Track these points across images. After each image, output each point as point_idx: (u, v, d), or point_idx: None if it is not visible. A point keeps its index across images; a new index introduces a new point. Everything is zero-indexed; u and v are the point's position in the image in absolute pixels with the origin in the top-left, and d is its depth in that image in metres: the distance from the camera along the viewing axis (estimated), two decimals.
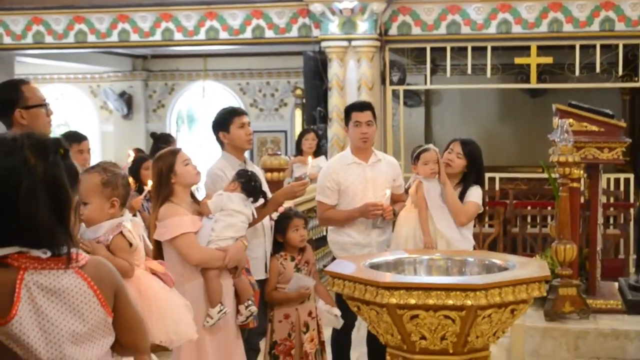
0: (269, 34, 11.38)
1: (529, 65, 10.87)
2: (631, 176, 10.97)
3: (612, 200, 10.56)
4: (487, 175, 8.62)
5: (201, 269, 4.59)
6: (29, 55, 13.42)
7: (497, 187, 11.21)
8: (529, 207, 10.23)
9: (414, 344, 4.08)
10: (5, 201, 2.16)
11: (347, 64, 10.91)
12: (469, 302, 3.93)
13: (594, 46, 10.62)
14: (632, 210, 9.84)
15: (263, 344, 5.37)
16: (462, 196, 5.49)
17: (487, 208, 5.75)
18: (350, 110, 5.76)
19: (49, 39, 12.03)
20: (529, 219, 10.23)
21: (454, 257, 4.84)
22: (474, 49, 10.91)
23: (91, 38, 11.91)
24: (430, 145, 5.70)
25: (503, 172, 11.87)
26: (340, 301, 5.00)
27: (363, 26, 10.76)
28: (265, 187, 5.28)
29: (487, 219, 9.50)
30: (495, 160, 12.35)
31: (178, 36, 11.65)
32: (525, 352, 6.00)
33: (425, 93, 15.29)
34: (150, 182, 4.85)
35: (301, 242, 5.34)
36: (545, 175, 7.92)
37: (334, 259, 5.54)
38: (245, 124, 5.30)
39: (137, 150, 8.48)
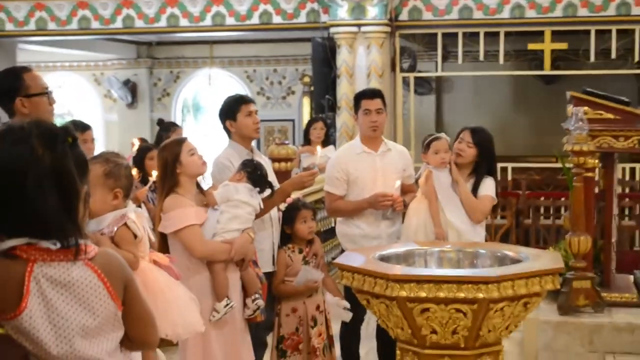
0: (277, 19, 11.37)
1: (542, 51, 10.83)
2: None
3: (627, 190, 10.53)
4: (500, 165, 8.58)
5: (207, 262, 4.59)
6: (31, 42, 13.44)
7: (509, 177, 11.19)
8: (542, 198, 10.21)
9: (425, 338, 4.07)
10: (13, 191, 2.16)
11: (356, 51, 10.88)
12: (480, 295, 3.92)
13: (610, 31, 10.57)
14: None
15: (270, 339, 5.37)
16: (474, 189, 5.47)
17: (499, 199, 5.72)
18: (359, 98, 5.75)
19: (51, 26, 12.03)
20: (542, 210, 10.21)
21: (465, 249, 4.82)
22: (486, 34, 10.87)
23: (95, 24, 11.91)
24: (441, 134, 5.68)
25: (516, 161, 11.83)
26: (349, 294, 5.00)
27: (373, 11, 10.73)
28: (272, 177, 5.27)
29: (499, 210, 9.51)
30: (508, 150, 12.33)
31: (183, 22, 11.64)
32: (538, 346, 5.99)
33: (436, 80, 15.25)
34: (155, 173, 4.84)
35: (309, 234, 5.34)
36: (559, 165, 7.92)
37: (342, 251, 5.54)
38: (252, 112, 5.30)
39: (141, 140, 8.49)
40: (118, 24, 11.85)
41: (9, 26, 12.11)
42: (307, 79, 14.43)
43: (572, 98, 6.29)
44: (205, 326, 4.04)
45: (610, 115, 6.19)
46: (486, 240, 5.71)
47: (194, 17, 11.57)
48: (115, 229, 3.51)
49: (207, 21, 11.56)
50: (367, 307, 4.40)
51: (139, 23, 11.81)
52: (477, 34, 10.90)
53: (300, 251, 5.31)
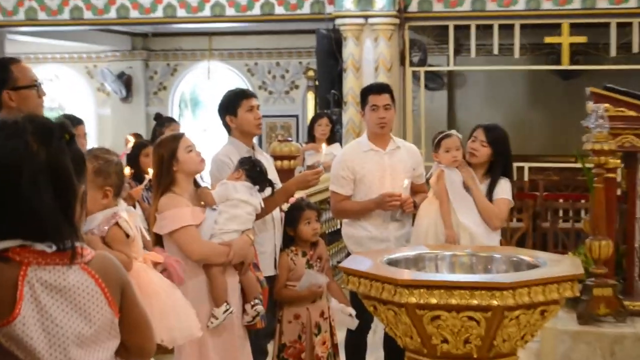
0: (279, 10, 11.36)
1: (560, 45, 10.80)
2: None
3: None
4: (516, 165, 8.56)
5: (204, 265, 4.58)
6: (21, 33, 13.44)
7: (526, 177, 11.17)
8: (560, 200, 10.21)
9: (435, 347, 4.06)
10: (6, 190, 2.15)
11: (363, 43, 10.88)
12: (495, 303, 3.91)
13: (631, 24, 10.54)
14: None
15: (271, 347, 5.35)
16: (490, 191, 5.45)
17: (515, 201, 5.70)
18: (366, 93, 5.74)
19: (42, 16, 12.04)
20: (560, 213, 10.20)
21: (478, 253, 4.82)
22: (500, 27, 10.85)
23: (87, 14, 11.91)
24: (452, 131, 5.67)
25: (533, 161, 11.81)
26: (355, 300, 4.99)
27: (380, 2, 10.72)
28: (274, 176, 5.26)
29: (515, 213, 9.49)
30: (524, 149, 12.29)
31: (181, 12, 11.64)
32: (556, 357, 5.97)
33: (448, 75, 15.26)
34: (150, 170, 4.83)
35: (313, 236, 5.33)
36: (578, 165, 7.88)
37: (348, 254, 5.52)
38: (254, 107, 5.30)
39: (136, 136, 8.49)
40: (112, 14, 11.85)
41: None
42: (311, 73, 14.42)
43: (591, 94, 6.27)
44: (202, 333, 4.03)
45: (632, 113, 6.17)
46: (501, 244, 5.68)
47: (191, 7, 11.57)
48: (107, 228, 3.51)
49: (206, 11, 11.55)
50: (374, 314, 4.39)
51: (134, 13, 11.81)
52: (491, 26, 10.88)
53: (304, 254, 5.29)
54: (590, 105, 6.15)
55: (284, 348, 5.21)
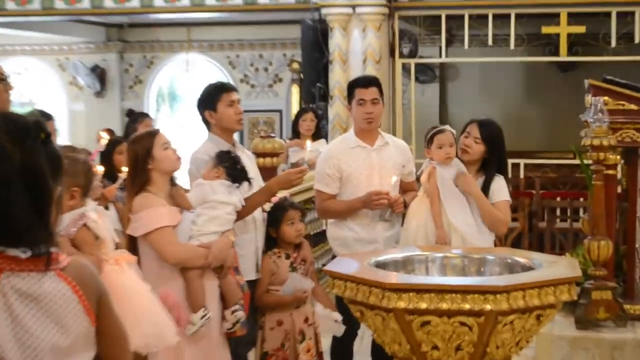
0: None
1: (558, 35, 10.84)
2: None
3: None
4: (511, 161, 8.60)
5: (181, 268, 4.57)
6: None
7: (521, 175, 11.20)
8: (558, 198, 10.22)
9: (425, 355, 4.06)
10: None
11: (350, 34, 10.88)
12: (488, 307, 3.91)
13: (633, 13, 10.57)
14: None
15: (252, 355, 5.35)
16: (485, 190, 5.46)
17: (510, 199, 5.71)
18: (353, 86, 5.74)
19: (10, 5, 12.00)
20: (558, 212, 10.21)
21: (471, 255, 4.83)
22: (495, 16, 10.88)
23: (59, 4, 11.88)
24: (446, 127, 5.67)
25: (529, 157, 11.85)
26: (341, 305, 4.98)
27: None
28: (256, 174, 5.25)
29: (510, 212, 9.48)
30: (520, 145, 12.32)
31: (158, 2, 11.62)
32: None
33: (440, 67, 15.29)
34: (124, 169, 4.82)
35: (297, 238, 5.33)
36: (576, 162, 7.91)
37: (334, 256, 5.52)
38: (234, 101, 5.29)
39: (109, 132, 8.46)
40: (85, 3, 11.82)
41: None
42: (296, 66, 14.42)
43: (590, 87, 6.28)
44: (178, 339, 4.02)
45: (633, 106, 6.18)
46: (495, 245, 5.69)
47: None
48: (74, 230, 3.50)
49: (185, 1, 11.53)
50: (360, 320, 4.38)
51: (109, 3, 11.79)
52: (486, 15, 10.91)
53: (287, 257, 5.29)
54: (589, 98, 6.16)
55: (266, 356, 5.20)
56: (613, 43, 10.67)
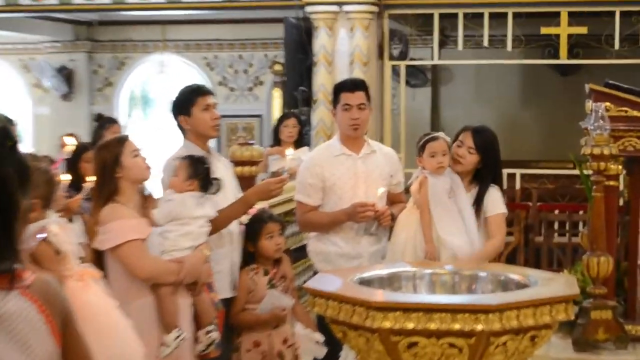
0: None
1: (558, 37, 10.86)
2: None
3: None
4: (506, 171, 8.60)
5: (152, 284, 4.56)
6: None
7: (517, 186, 11.21)
8: (556, 211, 10.24)
9: None
10: None
11: (337, 34, 10.89)
12: (479, 327, 3.91)
13: (638, 13, 10.62)
14: None
15: None
16: (478, 201, 5.48)
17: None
18: (339, 90, 5.75)
19: None
20: (556, 226, 10.23)
21: (462, 272, 4.82)
22: (491, 16, 10.90)
23: (24, 0, 11.84)
24: (439, 134, 5.70)
25: (525, 167, 11.86)
26: (322, 325, 4.98)
27: None
28: (234, 184, 5.25)
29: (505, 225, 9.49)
30: (516, 153, 12.37)
31: None
32: None
33: (432, 70, 15.31)
34: (91, 178, 4.82)
35: (277, 252, 5.33)
36: (576, 172, 7.92)
37: (315, 273, 5.52)
38: (210, 105, 5.30)
39: (73, 137, 8.43)
40: None
41: None
42: (278, 67, 14.42)
43: (591, 92, 6.30)
44: None
45: (636, 113, 6.20)
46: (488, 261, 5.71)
47: None
48: (34, 244, 3.50)
49: None
50: (343, 341, 4.38)
51: None
52: (481, 15, 10.93)
53: (266, 273, 5.30)
54: (590, 104, 6.18)
55: None
56: (616, 45, 10.71)
